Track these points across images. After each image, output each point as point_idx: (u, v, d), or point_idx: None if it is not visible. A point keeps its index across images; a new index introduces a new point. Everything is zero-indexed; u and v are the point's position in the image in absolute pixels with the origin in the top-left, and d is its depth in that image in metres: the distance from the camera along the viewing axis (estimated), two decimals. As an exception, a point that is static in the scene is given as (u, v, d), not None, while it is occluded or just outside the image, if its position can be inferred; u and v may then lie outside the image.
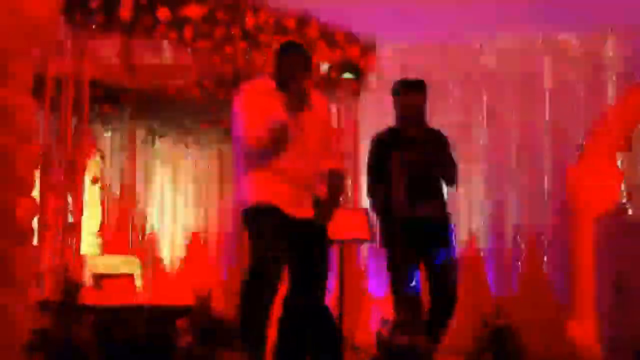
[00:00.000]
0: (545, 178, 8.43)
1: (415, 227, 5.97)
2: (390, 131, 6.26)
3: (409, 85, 6.23)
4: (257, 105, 5.09)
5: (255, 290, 4.93)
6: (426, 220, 6.04)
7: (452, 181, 6.25)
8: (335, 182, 5.26)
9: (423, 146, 6.08)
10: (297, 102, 5.10)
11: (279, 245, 5.00)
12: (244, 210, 5.15)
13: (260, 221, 5.07)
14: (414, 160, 6.00)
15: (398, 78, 6.55)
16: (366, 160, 6.34)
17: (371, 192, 6.25)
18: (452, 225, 6.31)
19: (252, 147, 5.06)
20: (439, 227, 6.16)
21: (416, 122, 6.17)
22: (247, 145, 5.08)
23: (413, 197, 5.96)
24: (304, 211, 5.13)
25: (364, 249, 8.69)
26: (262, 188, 5.10)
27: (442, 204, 6.23)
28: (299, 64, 5.18)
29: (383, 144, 6.18)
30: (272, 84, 5.19)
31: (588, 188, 7.58)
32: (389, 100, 6.33)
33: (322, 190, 5.21)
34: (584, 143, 7.93)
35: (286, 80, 5.14)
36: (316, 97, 5.27)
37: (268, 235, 5.01)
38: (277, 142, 5.01)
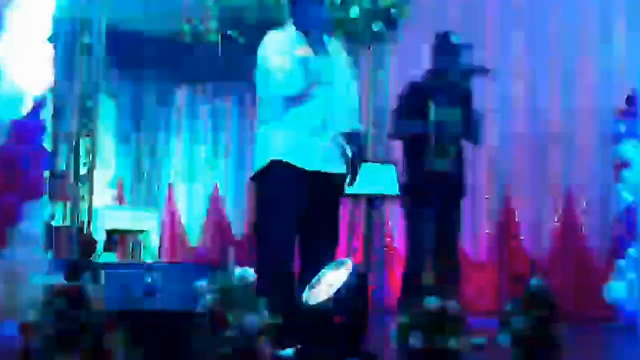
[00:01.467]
0: (590, 139, 8.04)
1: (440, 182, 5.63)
2: (424, 83, 5.85)
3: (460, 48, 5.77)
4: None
5: None
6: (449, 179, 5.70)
7: (477, 140, 5.90)
8: None
9: (454, 104, 5.70)
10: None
11: None
12: None
13: None
14: (449, 117, 5.64)
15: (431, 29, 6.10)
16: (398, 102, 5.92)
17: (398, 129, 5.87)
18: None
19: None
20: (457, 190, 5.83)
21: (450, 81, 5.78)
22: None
23: (444, 152, 5.61)
24: None
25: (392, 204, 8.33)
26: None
27: (463, 165, 5.86)
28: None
29: (421, 92, 5.77)
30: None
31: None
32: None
33: None
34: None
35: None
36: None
37: None
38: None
